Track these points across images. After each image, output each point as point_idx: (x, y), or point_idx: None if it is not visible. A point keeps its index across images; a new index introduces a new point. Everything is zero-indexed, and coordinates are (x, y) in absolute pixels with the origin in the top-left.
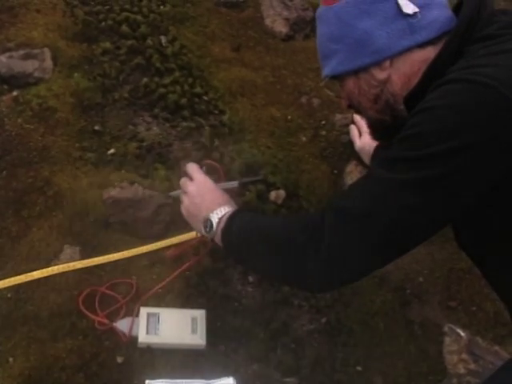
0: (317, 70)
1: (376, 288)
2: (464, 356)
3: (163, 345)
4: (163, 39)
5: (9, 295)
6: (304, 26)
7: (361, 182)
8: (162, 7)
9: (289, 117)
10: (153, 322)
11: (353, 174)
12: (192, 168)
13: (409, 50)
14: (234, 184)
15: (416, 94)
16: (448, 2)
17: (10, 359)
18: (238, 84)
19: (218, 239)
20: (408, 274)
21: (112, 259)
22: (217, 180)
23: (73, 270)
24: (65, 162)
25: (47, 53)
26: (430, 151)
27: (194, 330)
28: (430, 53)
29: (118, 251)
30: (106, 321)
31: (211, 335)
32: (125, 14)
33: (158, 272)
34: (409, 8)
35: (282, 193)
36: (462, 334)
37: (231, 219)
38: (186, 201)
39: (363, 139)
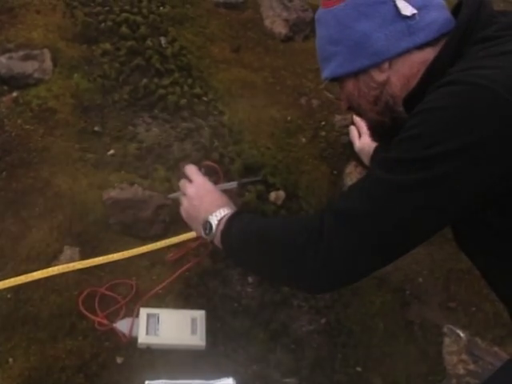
0: (316, 70)
1: (375, 289)
2: (463, 357)
3: (163, 345)
4: (163, 40)
5: (9, 296)
6: (303, 27)
7: (360, 183)
8: (161, 8)
9: (288, 118)
10: (152, 322)
11: (352, 174)
12: (191, 170)
13: (408, 51)
14: (233, 185)
15: (415, 95)
16: (446, 4)
17: (10, 360)
18: (237, 85)
19: (217, 241)
20: (407, 275)
21: (112, 260)
22: (216, 181)
23: (73, 271)
24: (64, 163)
25: (47, 54)
26: (428, 152)
27: (193, 331)
28: (429, 54)
29: (118, 252)
30: (105, 321)
31: (211, 336)
32: (124, 15)
33: (158, 273)
34: (407, 10)
35: (281, 193)
36: (462, 334)
37: (230, 221)
38: (185, 203)
39: (363, 140)
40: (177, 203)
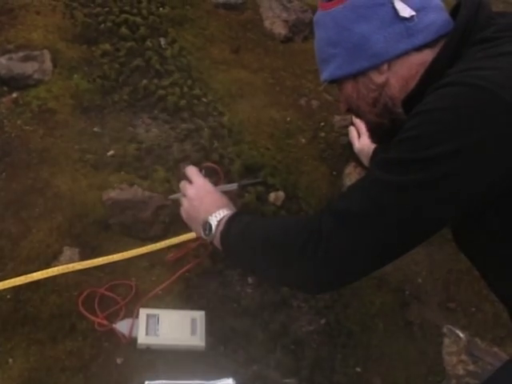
0: (316, 71)
1: (375, 289)
2: (463, 357)
3: (163, 346)
4: (162, 41)
5: (8, 296)
6: (303, 28)
7: (359, 184)
8: (161, 9)
9: (288, 118)
10: (152, 323)
11: (352, 175)
12: (191, 171)
13: (406, 53)
14: (234, 186)
15: (414, 96)
16: (445, 5)
17: (10, 360)
18: (237, 86)
19: (217, 242)
20: (407, 275)
21: (111, 260)
22: (216, 182)
23: (72, 272)
24: (64, 164)
25: (47, 54)
26: (427, 153)
27: (193, 331)
28: (428, 56)
29: (118, 252)
30: (105, 322)
31: (211, 336)
32: (124, 15)
33: (158, 273)
34: (406, 12)
35: (281, 194)
36: (461, 335)
37: (230, 222)
38: (185, 204)
39: (362, 141)
40: (176, 204)
